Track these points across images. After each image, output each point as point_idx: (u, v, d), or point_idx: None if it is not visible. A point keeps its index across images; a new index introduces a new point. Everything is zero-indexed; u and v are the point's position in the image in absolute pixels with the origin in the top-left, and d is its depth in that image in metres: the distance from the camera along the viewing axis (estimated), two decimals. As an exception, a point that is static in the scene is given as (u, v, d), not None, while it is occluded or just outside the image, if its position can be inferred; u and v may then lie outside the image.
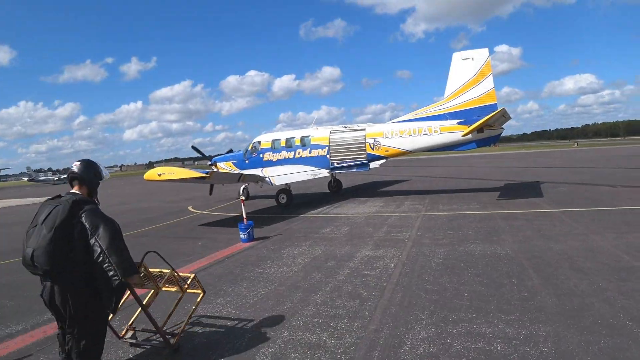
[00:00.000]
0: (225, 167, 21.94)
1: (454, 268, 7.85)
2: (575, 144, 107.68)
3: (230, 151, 24.51)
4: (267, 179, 16.65)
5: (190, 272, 6.37)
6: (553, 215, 12.37)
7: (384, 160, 20.91)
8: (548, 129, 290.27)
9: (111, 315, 4.78)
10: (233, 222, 14.37)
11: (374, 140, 19.17)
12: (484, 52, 18.22)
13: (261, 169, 19.34)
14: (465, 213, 13.75)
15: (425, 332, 5.25)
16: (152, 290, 5.75)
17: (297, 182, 18.14)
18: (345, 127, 20.39)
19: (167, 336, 5.38)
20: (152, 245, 11.96)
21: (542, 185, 20.49)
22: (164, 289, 5.54)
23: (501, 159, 49.57)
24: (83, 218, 4.29)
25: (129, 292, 4.99)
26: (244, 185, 21.71)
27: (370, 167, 19.99)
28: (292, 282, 7.76)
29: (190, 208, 20.91)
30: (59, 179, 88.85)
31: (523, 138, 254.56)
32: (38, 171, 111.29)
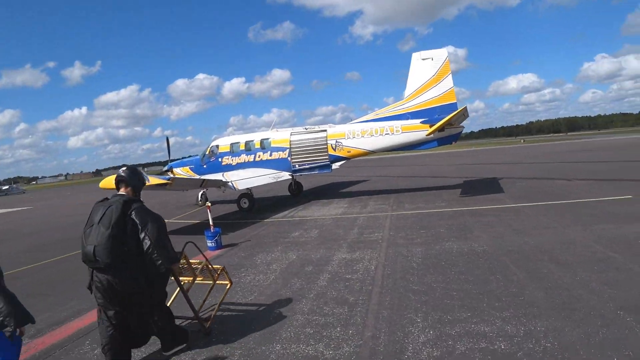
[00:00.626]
0: (182, 172, 21.26)
1: (436, 267, 7.73)
2: (522, 141, 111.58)
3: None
4: (229, 183, 16.17)
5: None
6: (519, 210, 12.52)
7: (345, 161, 20.82)
8: (494, 127, 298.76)
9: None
10: (197, 229, 13.86)
11: (336, 141, 19.01)
12: (443, 52, 18.41)
13: (221, 173, 18.83)
14: (433, 211, 13.74)
15: (425, 336, 5.06)
16: (189, 279, 6.13)
17: (259, 185, 17.74)
18: (306, 129, 20.12)
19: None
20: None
21: (500, 181, 20.87)
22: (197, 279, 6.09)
23: (454, 157, 50.50)
24: (133, 215, 4.88)
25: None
26: (202, 191, 21.17)
27: (332, 168, 19.79)
28: (271, 290, 7.41)
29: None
30: (0, 190, 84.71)
31: (471, 136, 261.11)
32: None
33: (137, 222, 4.86)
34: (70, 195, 55.64)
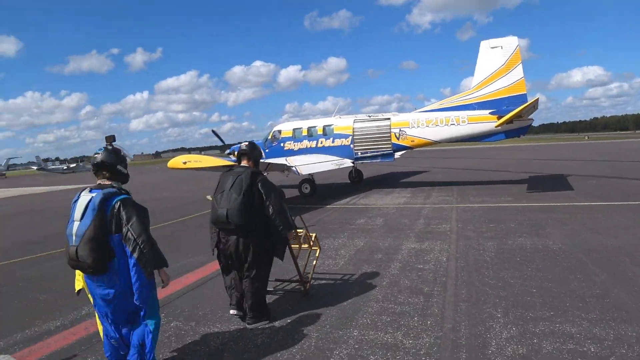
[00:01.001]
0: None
1: (511, 262, 7.51)
2: (586, 137, 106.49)
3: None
4: (293, 168, 16.27)
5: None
6: (593, 209, 11.98)
7: (406, 151, 20.55)
8: (556, 122, 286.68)
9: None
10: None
11: (400, 130, 18.77)
12: (513, 40, 17.75)
13: (284, 158, 18.99)
14: (500, 205, 13.37)
15: (507, 332, 4.92)
16: (297, 246, 6.64)
17: (321, 171, 17.80)
18: (370, 117, 19.99)
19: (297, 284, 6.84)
20: (182, 236, 11.67)
21: (568, 177, 20.05)
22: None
23: (515, 151, 48.95)
24: (259, 185, 5.58)
25: None
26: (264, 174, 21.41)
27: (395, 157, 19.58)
28: (343, 276, 7.43)
29: (209, 198, 20.54)
30: (68, 168, 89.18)
31: (530, 130, 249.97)
32: (46, 160, 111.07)
33: (262, 192, 5.56)
34: (133, 175, 57.21)
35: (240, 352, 4.94)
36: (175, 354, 5.04)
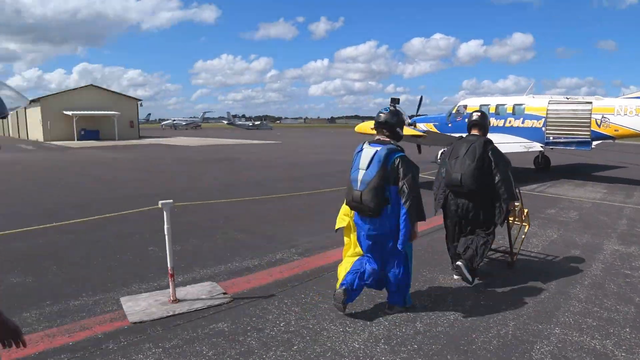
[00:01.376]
0: (425, 128, 21.20)
1: None
2: None
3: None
4: (481, 146, 15.59)
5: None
6: None
7: (601, 141, 18.32)
8: None
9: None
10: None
11: (602, 117, 16.77)
12: None
13: (469, 135, 18.29)
14: None
15: None
16: (512, 218, 6.85)
17: (509, 152, 16.79)
18: (567, 99, 18.23)
19: (504, 255, 7.22)
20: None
21: None
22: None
23: None
24: (490, 153, 5.91)
25: None
26: (442, 150, 20.92)
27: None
28: (537, 265, 7.06)
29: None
30: (253, 125, 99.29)
31: None
32: (235, 116, 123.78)
33: (492, 160, 5.86)
34: (311, 137, 60.92)
35: (432, 326, 4.94)
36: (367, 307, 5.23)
